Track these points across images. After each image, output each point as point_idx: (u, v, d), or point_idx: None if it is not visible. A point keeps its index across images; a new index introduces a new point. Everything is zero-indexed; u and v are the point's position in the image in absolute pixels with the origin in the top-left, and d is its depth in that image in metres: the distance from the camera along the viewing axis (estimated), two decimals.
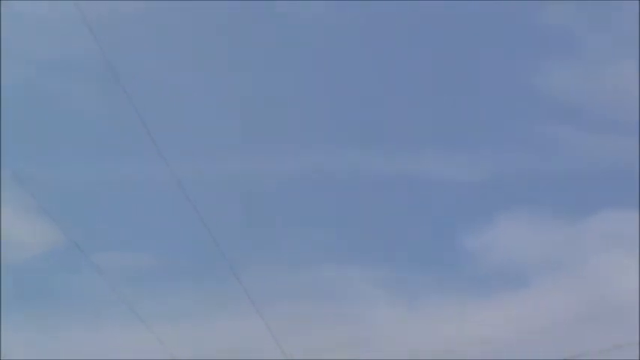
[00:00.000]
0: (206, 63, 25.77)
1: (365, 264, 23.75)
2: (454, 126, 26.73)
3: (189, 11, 25.37)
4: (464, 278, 23.65)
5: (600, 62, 29.28)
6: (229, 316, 22.00)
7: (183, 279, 22.79)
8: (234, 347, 20.89)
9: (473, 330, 23.09)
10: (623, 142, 29.75)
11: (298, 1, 25.90)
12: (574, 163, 26.57)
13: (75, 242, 18.81)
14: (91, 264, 19.04)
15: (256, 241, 23.23)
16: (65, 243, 19.39)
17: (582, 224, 25.53)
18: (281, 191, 25.00)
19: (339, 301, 23.36)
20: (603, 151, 27.70)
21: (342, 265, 23.66)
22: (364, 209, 25.43)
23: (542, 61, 27.75)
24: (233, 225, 23.62)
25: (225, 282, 20.90)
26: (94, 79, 22.78)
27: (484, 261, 24.69)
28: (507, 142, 26.37)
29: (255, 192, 24.32)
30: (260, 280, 22.85)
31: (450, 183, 25.41)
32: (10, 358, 19.73)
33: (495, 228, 25.09)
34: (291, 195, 25.13)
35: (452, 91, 26.69)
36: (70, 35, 22.60)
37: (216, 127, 25.37)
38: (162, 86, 24.93)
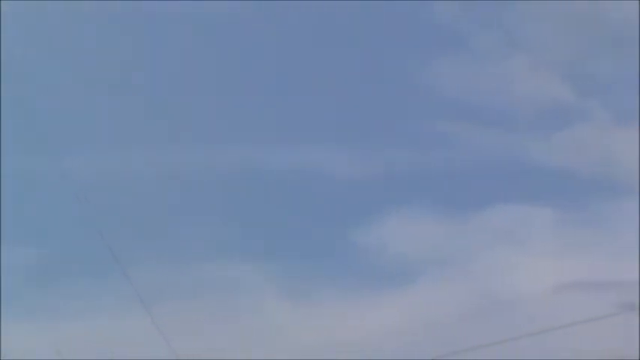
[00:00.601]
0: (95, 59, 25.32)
1: (256, 260, 23.61)
2: (346, 122, 26.75)
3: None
4: (355, 274, 23.66)
5: (490, 59, 29.60)
6: (117, 315, 21.62)
7: (68, 275, 22.33)
8: (122, 346, 20.53)
9: (363, 326, 23.11)
10: (512, 137, 30.17)
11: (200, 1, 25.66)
12: (464, 158, 26.82)
13: None
14: None
15: (144, 237, 22.89)
16: None
17: (473, 220, 25.79)
18: (170, 187, 24.69)
19: (230, 298, 23.17)
20: (492, 147, 28.04)
21: (232, 261, 23.47)
22: (255, 205, 25.29)
23: (434, 59, 27.95)
24: (121, 221, 23.22)
25: (113, 279, 20.52)
26: None
27: (376, 256, 24.76)
28: (399, 139, 26.49)
29: (142, 188, 23.98)
30: (148, 277, 22.50)
31: (342, 179, 25.41)
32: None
33: (387, 224, 25.18)
34: (180, 190, 24.84)
35: (344, 87, 26.69)
36: None
37: (106, 122, 24.95)
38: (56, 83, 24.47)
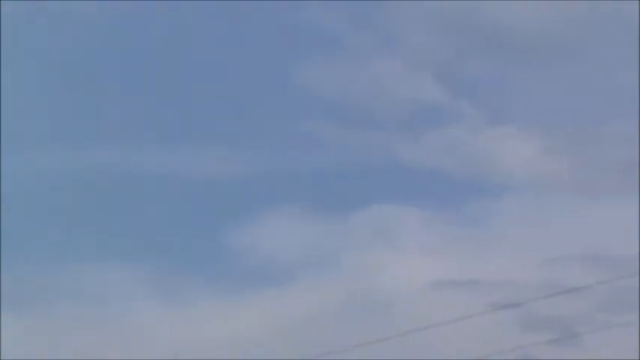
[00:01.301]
0: None
1: (126, 262, 23.28)
2: (217, 123, 26.54)
3: None
4: (227, 275, 23.52)
5: (362, 60, 29.70)
6: None
7: None
8: None
9: (235, 327, 22.98)
10: (385, 138, 30.32)
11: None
12: (337, 159, 26.83)
13: None
14: None
15: (11, 239, 22.43)
16: None
17: (345, 221, 25.80)
18: (37, 190, 24.26)
19: (100, 301, 22.85)
20: (365, 148, 28.11)
21: (102, 264, 23.12)
22: (125, 207, 24.95)
23: (304, 60, 27.91)
24: None
25: None
26: None
27: (248, 258, 24.62)
28: (270, 139, 26.34)
29: (13, 191, 23.52)
30: (15, 279, 22.08)
31: (213, 180, 25.21)
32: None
33: (259, 225, 25.03)
34: (49, 193, 24.43)
35: (211, 88, 26.48)
36: None
37: None
38: None
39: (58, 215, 23.78)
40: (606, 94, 33.71)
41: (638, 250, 21.50)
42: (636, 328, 18.75)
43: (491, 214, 28.49)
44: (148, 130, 25.67)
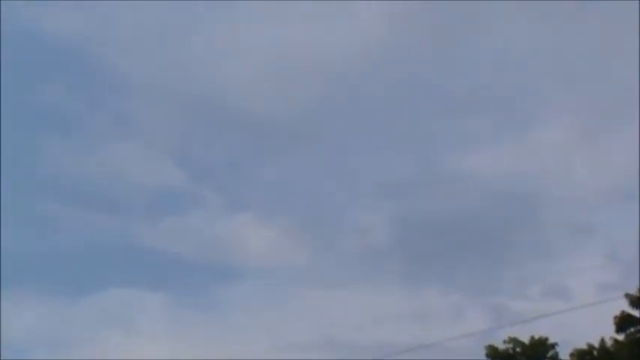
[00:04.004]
0: None
1: None
2: None
3: None
4: None
5: (101, 142, 29.44)
6: None
7: None
8: None
9: None
10: (124, 222, 29.96)
11: None
12: (75, 242, 26.29)
13: None
14: None
15: None
16: None
17: (83, 304, 25.26)
18: None
19: None
20: (104, 232, 27.70)
21: None
22: None
23: (43, 142, 27.34)
24: None
25: None
26: None
27: None
28: (9, 221, 25.54)
29: None
30: None
31: None
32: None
33: None
34: None
35: None
36: None
37: None
38: None
39: None
40: (345, 179, 34.79)
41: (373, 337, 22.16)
42: None
43: (229, 299, 28.66)
44: None
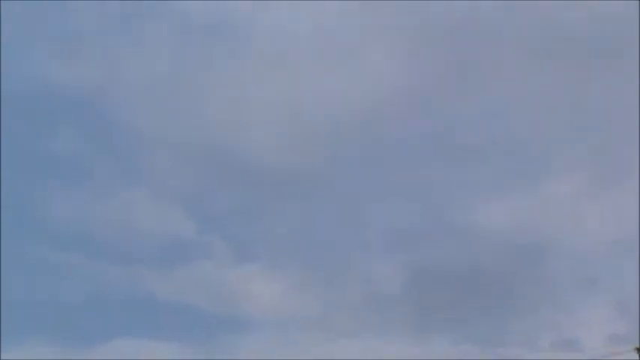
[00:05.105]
0: None
1: None
2: None
3: None
4: None
5: (110, 191, 29.61)
6: None
7: None
8: None
9: None
10: (135, 272, 30.04)
11: None
12: (85, 292, 26.36)
13: None
14: None
15: None
16: None
17: (94, 354, 25.30)
18: None
19: None
20: (116, 282, 27.77)
21: None
22: None
23: (52, 190, 27.58)
24: None
25: None
26: None
27: None
28: (20, 269, 25.69)
29: None
30: None
31: None
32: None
33: (4, 356, 24.23)
34: None
35: None
36: None
37: None
38: None
39: None
40: (355, 228, 34.82)
41: None
42: None
43: (239, 348, 28.66)
44: None
